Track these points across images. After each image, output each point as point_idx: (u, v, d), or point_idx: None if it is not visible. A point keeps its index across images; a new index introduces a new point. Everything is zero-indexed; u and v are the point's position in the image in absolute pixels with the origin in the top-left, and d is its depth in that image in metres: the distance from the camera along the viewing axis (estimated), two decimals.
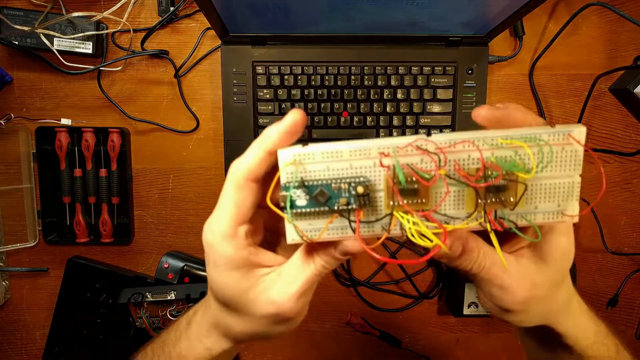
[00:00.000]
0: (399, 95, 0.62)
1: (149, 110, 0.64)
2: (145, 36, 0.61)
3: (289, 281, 0.26)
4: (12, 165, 0.64)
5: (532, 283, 0.26)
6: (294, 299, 0.25)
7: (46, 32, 0.59)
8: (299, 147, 0.24)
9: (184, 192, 0.66)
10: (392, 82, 0.62)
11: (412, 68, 0.62)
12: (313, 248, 0.26)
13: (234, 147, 0.62)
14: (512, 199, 0.23)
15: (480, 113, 0.25)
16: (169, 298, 0.61)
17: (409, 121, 0.63)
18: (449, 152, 0.23)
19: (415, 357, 0.69)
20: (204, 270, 0.63)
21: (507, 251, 0.28)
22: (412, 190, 0.23)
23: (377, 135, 0.63)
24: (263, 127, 0.62)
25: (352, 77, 0.62)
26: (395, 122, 0.63)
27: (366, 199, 0.23)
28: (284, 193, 0.23)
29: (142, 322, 0.63)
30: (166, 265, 0.63)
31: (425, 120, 0.63)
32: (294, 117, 0.25)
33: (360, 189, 0.23)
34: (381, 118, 0.63)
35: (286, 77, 0.61)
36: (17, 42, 0.60)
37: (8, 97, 0.64)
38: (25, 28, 0.58)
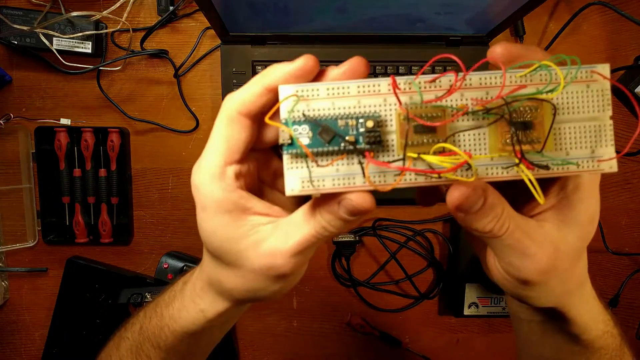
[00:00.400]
0: None
1: (149, 110, 0.64)
2: (145, 36, 0.61)
3: (286, 236, 0.23)
4: (12, 165, 0.64)
5: (555, 249, 0.23)
6: (289, 254, 0.23)
7: (45, 31, 0.59)
8: (302, 84, 0.22)
9: (183, 192, 0.66)
10: None
11: (413, 67, 0.62)
12: (316, 202, 0.23)
13: None
14: (540, 139, 0.21)
15: (495, 50, 0.22)
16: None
17: None
18: (465, 89, 0.21)
19: (416, 358, 0.68)
20: None
21: (528, 214, 0.24)
22: (427, 128, 0.21)
23: None
24: None
25: None
26: None
27: (377, 136, 0.21)
28: (284, 128, 0.21)
29: None
30: (166, 266, 0.63)
31: None
32: (305, 61, 0.22)
33: (369, 123, 0.21)
34: None
35: None
36: (16, 42, 0.60)
37: (7, 97, 0.64)
38: (25, 28, 0.58)
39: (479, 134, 0.21)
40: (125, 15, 0.60)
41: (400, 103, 0.21)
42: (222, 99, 0.61)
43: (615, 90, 0.66)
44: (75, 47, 0.61)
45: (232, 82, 0.61)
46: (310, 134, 0.21)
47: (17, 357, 0.68)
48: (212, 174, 0.23)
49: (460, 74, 0.21)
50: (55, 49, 0.60)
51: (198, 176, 0.24)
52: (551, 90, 0.21)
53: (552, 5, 0.64)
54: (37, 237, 0.65)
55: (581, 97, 0.21)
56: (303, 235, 0.23)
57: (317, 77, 0.23)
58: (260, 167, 0.26)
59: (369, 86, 0.21)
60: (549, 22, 0.65)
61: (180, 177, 0.66)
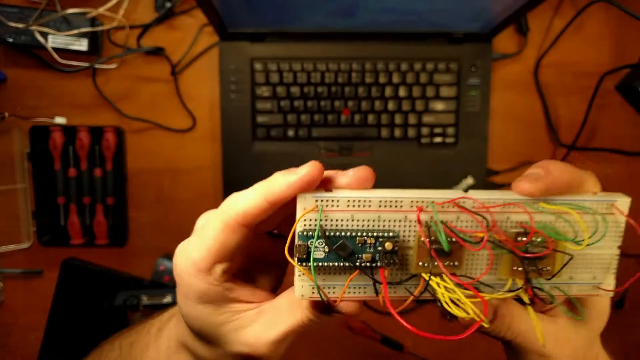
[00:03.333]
0: (401, 93, 0.61)
1: (145, 108, 0.63)
2: (141, 33, 0.61)
3: (270, 324, 0.23)
4: (6, 165, 0.63)
5: (573, 348, 0.24)
6: (271, 345, 0.23)
7: (41, 29, 0.58)
8: (322, 191, 0.21)
9: (180, 193, 0.65)
10: (394, 79, 0.61)
11: (415, 65, 0.61)
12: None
13: (232, 146, 0.61)
14: (549, 268, 0.22)
15: (523, 188, 0.22)
16: (164, 301, 0.60)
17: (412, 119, 0.62)
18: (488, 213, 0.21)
19: None
20: None
21: (539, 310, 0.25)
22: (444, 251, 0.21)
23: (379, 135, 0.62)
24: (261, 125, 0.61)
25: (353, 74, 0.60)
26: (397, 120, 0.62)
27: (394, 257, 0.21)
28: (300, 242, 0.21)
29: None
30: (162, 268, 0.62)
31: (428, 118, 0.62)
32: (310, 170, 0.21)
33: (388, 245, 0.21)
34: (383, 116, 0.61)
35: (285, 74, 0.60)
36: (11, 39, 0.59)
37: (2, 95, 0.63)
38: (20, 25, 0.58)
39: (497, 257, 0.22)
40: (121, 12, 0.60)
41: (420, 227, 0.21)
42: (220, 97, 0.61)
43: (621, 89, 0.65)
44: (71, 44, 0.60)
45: (230, 79, 0.60)
46: (327, 248, 0.21)
47: None
48: (198, 268, 0.22)
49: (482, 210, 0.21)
50: (51, 47, 0.59)
51: (183, 263, 0.23)
52: (578, 243, 0.21)
53: (557, 2, 0.64)
54: (32, 238, 0.64)
55: (596, 228, 0.22)
56: (288, 326, 0.23)
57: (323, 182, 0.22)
58: (249, 245, 0.25)
59: (391, 202, 0.21)
60: (553, 19, 0.64)
61: (176, 177, 0.65)
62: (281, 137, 0.61)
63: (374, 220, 0.21)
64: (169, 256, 0.63)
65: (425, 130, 0.62)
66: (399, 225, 0.21)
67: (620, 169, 0.66)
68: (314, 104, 0.61)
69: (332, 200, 0.21)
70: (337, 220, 0.21)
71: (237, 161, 0.61)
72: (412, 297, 0.22)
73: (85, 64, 0.61)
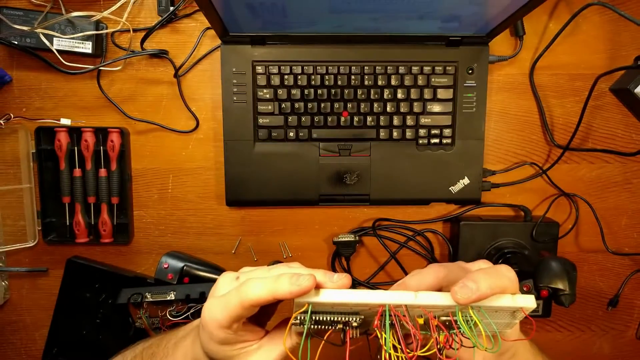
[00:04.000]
0: (399, 95, 0.62)
1: (149, 110, 0.64)
2: (145, 36, 0.61)
3: (267, 353, 0.34)
4: (12, 166, 0.64)
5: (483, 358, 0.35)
6: None
7: (46, 31, 0.59)
8: (313, 295, 0.30)
9: (183, 192, 0.66)
10: (393, 82, 0.62)
11: (413, 68, 0.62)
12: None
13: (234, 147, 0.62)
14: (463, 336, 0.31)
15: (456, 298, 0.30)
16: (168, 298, 0.61)
17: (409, 121, 0.63)
18: (422, 308, 0.31)
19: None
20: (204, 271, 0.63)
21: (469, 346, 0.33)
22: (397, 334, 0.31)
23: (378, 136, 0.63)
24: (263, 126, 0.62)
25: (352, 76, 0.62)
26: (396, 121, 0.63)
27: (358, 330, 0.32)
28: (297, 328, 0.32)
29: (142, 323, 0.63)
30: (166, 266, 0.62)
31: (426, 120, 0.63)
32: (308, 285, 0.30)
33: (355, 322, 0.31)
34: (381, 118, 0.63)
35: (286, 76, 0.61)
36: (16, 42, 0.60)
37: (7, 97, 0.64)
38: (25, 28, 0.58)
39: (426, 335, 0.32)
40: (125, 15, 0.60)
41: (377, 323, 0.30)
42: (222, 99, 0.61)
43: (616, 90, 0.66)
44: (76, 47, 0.61)
45: (232, 82, 0.61)
46: (311, 322, 0.31)
47: (17, 357, 0.68)
48: (221, 325, 0.32)
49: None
50: (56, 49, 0.60)
51: (210, 318, 0.32)
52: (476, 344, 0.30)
53: (552, 6, 0.64)
54: (38, 237, 0.65)
55: (503, 317, 0.32)
56: (279, 354, 0.34)
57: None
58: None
59: (362, 304, 0.30)
60: (548, 22, 0.65)
61: (180, 177, 0.66)
62: (282, 138, 0.63)
63: (348, 310, 0.31)
64: (172, 254, 0.64)
65: (422, 132, 0.63)
66: (366, 313, 0.31)
67: (614, 169, 0.67)
68: (314, 106, 0.62)
69: (320, 303, 0.30)
70: (324, 311, 0.31)
71: (239, 161, 0.62)
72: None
73: (90, 66, 0.62)
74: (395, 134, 0.63)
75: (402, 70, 0.62)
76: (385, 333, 0.30)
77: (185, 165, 0.65)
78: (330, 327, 0.31)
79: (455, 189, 0.64)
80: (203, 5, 0.48)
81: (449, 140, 0.63)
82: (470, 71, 0.62)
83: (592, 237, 0.68)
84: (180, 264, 0.63)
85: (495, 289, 0.30)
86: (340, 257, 0.67)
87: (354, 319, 0.31)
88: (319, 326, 0.31)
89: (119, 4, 0.58)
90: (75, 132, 0.63)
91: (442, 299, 0.30)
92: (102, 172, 0.64)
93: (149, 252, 0.67)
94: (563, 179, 0.67)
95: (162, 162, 0.65)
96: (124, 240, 0.65)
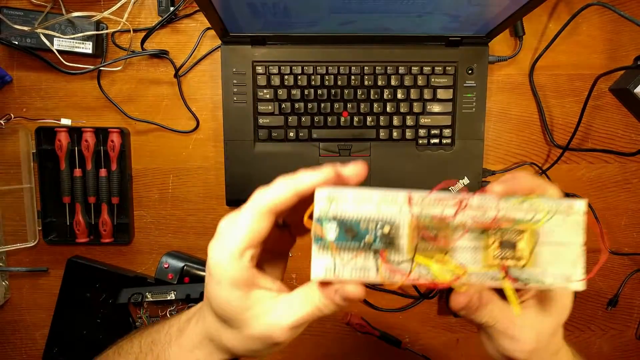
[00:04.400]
0: (399, 95, 0.62)
1: (149, 110, 0.64)
2: (145, 36, 0.61)
3: (286, 312, 0.27)
4: (12, 166, 0.64)
5: (537, 333, 0.29)
6: (287, 329, 0.27)
7: (46, 32, 0.59)
8: (334, 187, 0.26)
9: (183, 192, 0.66)
10: (392, 82, 0.62)
11: (412, 68, 0.62)
12: (320, 286, 0.28)
13: (234, 147, 0.62)
14: (523, 258, 0.26)
15: (494, 190, 0.27)
16: (169, 298, 0.61)
17: (409, 121, 0.63)
18: (466, 209, 0.26)
19: (416, 358, 0.69)
20: (204, 271, 0.63)
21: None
22: (433, 235, 0.26)
23: (377, 136, 0.63)
24: (263, 126, 0.62)
25: (352, 77, 0.62)
26: (395, 122, 0.63)
27: (391, 240, 0.25)
28: (316, 224, 0.25)
29: (142, 322, 0.63)
30: (166, 266, 0.63)
31: (425, 120, 0.63)
32: (330, 172, 0.26)
33: (386, 229, 0.25)
34: (381, 118, 0.63)
35: (286, 77, 0.61)
36: (17, 42, 0.60)
37: (8, 97, 0.64)
38: (25, 28, 0.58)
39: (474, 248, 0.26)
40: (125, 15, 0.60)
41: (413, 216, 0.25)
42: (223, 99, 0.62)
43: (615, 90, 0.66)
44: (76, 47, 0.61)
45: (232, 82, 0.61)
46: (337, 230, 0.25)
47: (17, 357, 0.68)
48: (232, 254, 0.27)
49: (466, 195, 0.25)
50: (56, 49, 0.60)
51: (219, 253, 0.27)
52: (537, 221, 0.26)
53: (552, 6, 0.65)
54: (38, 237, 0.65)
55: (560, 226, 0.27)
56: (301, 314, 0.27)
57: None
58: (270, 238, 0.29)
59: (388, 197, 0.26)
60: (548, 23, 0.65)
61: (180, 177, 0.66)
62: (282, 138, 0.63)
63: (375, 212, 0.25)
64: (172, 254, 0.64)
65: (422, 132, 0.63)
66: (395, 216, 0.26)
67: (614, 169, 0.68)
68: (314, 106, 0.62)
69: (342, 194, 0.25)
70: (345, 210, 0.25)
71: (239, 161, 0.62)
72: (406, 277, 0.25)
73: (90, 67, 0.62)
74: (395, 134, 0.63)
75: (402, 70, 0.62)
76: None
77: (186, 165, 0.66)
78: (358, 245, 0.25)
79: (455, 189, 0.64)
80: (203, 6, 0.48)
81: (448, 141, 0.64)
82: (470, 71, 0.62)
83: (591, 237, 0.68)
84: (180, 264, 0.63)
85: (538, 184, 0.27)
86: None
87: (384, 226, 0.25)
88: (345, 242, 0.26)
89: (119, 4, 0.58)
90: (75, 132, 0.63)
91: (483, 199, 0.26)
92: (103, 172, 0.64)
93: (150, 252, 0.67)
94: (563, 179, 0.67)
95: (163, 162, 0.65)
96: (124, 240, 0.65)
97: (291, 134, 0.62)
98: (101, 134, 0.63)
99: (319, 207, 0.25)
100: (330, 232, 0.25)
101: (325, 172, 0.27)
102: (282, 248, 0.33)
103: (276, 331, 0.27)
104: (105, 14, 0.59)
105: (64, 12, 0.61)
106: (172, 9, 0.62)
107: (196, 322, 0.31)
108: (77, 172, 0.64)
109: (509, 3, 0.50)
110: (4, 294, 0.66)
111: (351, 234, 0.25)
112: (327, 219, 0.25)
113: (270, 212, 0.27)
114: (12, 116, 0.63)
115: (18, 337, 0.68)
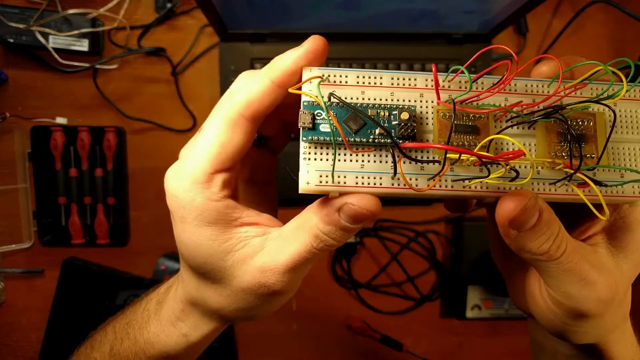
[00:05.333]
0: None
1: (146, 108, 0.64)
2: (142, 33, 0.61)
3: (277, 250, 0.20)
4: (7, 165, 0.63)
5: (614, 279, 0.20)
6: (282, 271, 0.20)
7: (42, 29, 0.58)
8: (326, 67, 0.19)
9: None
10: None
11: (415, 65, 0.61)
12: (318, 206, 0.20)
13: None
14: (592, 154, 0.19)
15: (542, 70, 0.21)
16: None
17: None
18: (509, 94, 0.19)
19: None
20: None
21: (578, 238, 0.22)
22: (470, 127, 0.18)
23: None
24: None
25: None
26: None
27: (412, 128, 0.18)
28: (305, 111, 0.18)
29: None
30: (163, 267, 0.62)
31: None
32: (315, 42, 0.19)
33: (404, 115, 0.18)
34: None
35: None
36: (12, 40, 0.59)
37: (3, 95, 0.63)
38: (21, 25, 0.58)
39: (525, 145, 0.19)
40: (122, 12, 0.60)
41: (439, 97, 0.19)
42: (220, 97, 0.61)
43: None
44: (72, 45, 0.60)
45: (230, 80, 0.60)
46: (335, 119, 0.18)
47: (13, 359, 0.67)
48: (195, 180, 0.20)
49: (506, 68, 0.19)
50: (52, 47, 0.59)
51: (176, 181, 0.21)
52: (610, 97, 0.18)
53: (556, 3, 0.64)
54: (33, 238, 0.64)
55: (638, 116, 0.19)
56: (297, 251, 0.20)
57: None
58: (246, 162, 0.23)
59: (403, 79, 0.19)
60: (552, 20, 0.64)
61: None
62: None
63: (387, 98, 0.19)
64: (170, 255, 0.63)
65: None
66: (415, 104, 0.19)
67: None
68: None
69: (340, 75, 0.19)
70: (345, 97, 0.19)
71: None
72: (442, 173, 0.18)
73: (86, 65, 0.61)
74: None
75: (403, 67, 0.61)
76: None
77: None
78: (365, 140, 0.18)
79: None
80: (201, 2, 0.47)
81: None
82: (473, 69, 0.61)
83: None
84: (177, 266, 0.62)
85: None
86: (340, 258, 0.66)
87: (402, 113, 0.18)
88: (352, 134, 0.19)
89: (115, 1, 0.58)
90: (71, 132, 0.62)
91: None
92: (99, 171, 0.63)
93: (146, 254, 0.66)
94: None
95: (159, 162, 0.64)
96: (120, 242, 0.64)
97: None
98: (97, 133, 0.63)
99: (307, 90, 0.19)
100: (324, 122, 0.18)
101: (309, 44, 0.19)
102: (263, 173, 0.26)
103: (269, 276, 0.20)
104: (102, 11, 0.58)
105: (59, 9, 0.60)
106: (169, 5, 0.61)
107: (176, 287, 0.25)
108: (73, 171, 0.63)
109: (512, 0, 0.49)
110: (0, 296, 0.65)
111: (356, 124, 0.18)
112: (318, 106, 0.18)
113: (243, 117, 0.20)
114: (7, 115, 0.62)
115: (14, 339, 0.67)
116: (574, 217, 0.21)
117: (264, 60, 0.60)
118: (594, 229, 0.22)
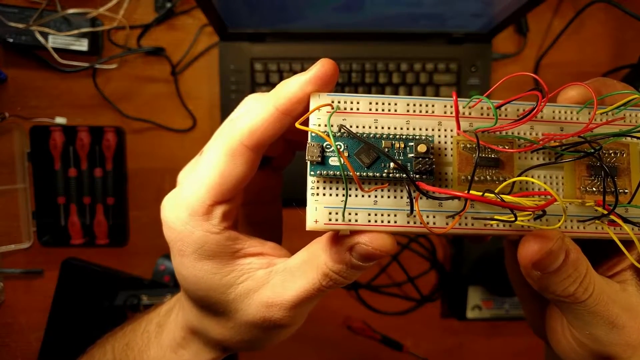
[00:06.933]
0: (401, 93, 0.61)
1: (145, 108, 0.63)
2: (142, 33, 0.61)
3: (283, 285, 0.20)
4: (6, 165, 0.63)
5: None
6: (288, 307, 0.19)
7: (41, 29, 0.58)
8: (335, 93, 0.18)
9: None
10: (394, 80, 0.61)
11: (415, 65, 0.61)
12: (328, 243, 0.19)
13: None
14: (626, 189, 0.17)
15: (571, 96, 0.19)
16: (165, 301, 0.60)
17: None
18: (535, 122, 0.18)
19: None
20: None
21: (606, 275, 0.21)
22: (493, 160, 0.17)
23: None
24: None
25: (353, 74, 0.61)
26: None
27: (430, 163, 0.17)
28: (313, 143, 0.17)
29: None
30: (162, 268, 0.62)
31: None
32: (324, 66, 0.18)
33: (422, 148, 0.17)
34: None
35: (285, 74, 0.60)
36: (11, 40, 0.59)
37: (2, 95, 0.63)
38: (20, 25, 0.58)
39: (552, 178, 0.18)
40: (121, 12, 0.60)
41: (459, 127, 0.17)
42: (220, 97, 0.61)
43: None
44: (71, 44, 0.60)
45: (230, 79, 0.60)
46: (346, 153, 0.17)
47: None
48: (193, 212, 0.19)
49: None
50: (51, 47, 0.59)
51: (174, 212, 0.19)
52: None
53: (556, 3, 0.64)
54: (32, 238, 0.64)
55: None
56: (304, 288, 0.19)
57: None
58: (248, 186, 0.21)
59: (420, 105, 0.18)
60: (553, 20, 0.64)
61: (177, 177, 0.65)
62: None
63: (402, 127, 0.18)
64: (169, 256, 0.63)
65: None
66: (433, 133, 0.18)
67: None
68: None
69: (352, 102, 0.18)
70: (357, 125, 0.18)
71: None
72: (463, 211, 0.17)
73: (86, 64, 0.61)
74: None
75: (403, 67, 0.61)
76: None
77: (183, 165, 0.64)
78: (379, 174, 0.17)
79: None
80: (201, 2, 0.47)
81: None
82: (473, 69, 0.61)
83: None
84: None
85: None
86: None
87: (419, 145, 0.17)
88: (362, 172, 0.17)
89: (115, 1, 0.58)
90: (70, 131, 0.62)
91: None
92: (98, 171, 0.63)
93: (146, 254, 0.65)
94: None
95: (159, 162, 0.64)
96: (120, 242, 0.64)
97: None
98: (96, 132, 0.62)
99: (315, 120, 0.18)
100: (333, 158, 0.17)
101: (317, 69, 0.18)
102: (267, 193, 0.24)
103: (274, 312, 0.20)
104: (101, 10, 0.58)
105: (59, 9, 0.60)
106: (168, 5, 0.61)
107: (177, 312, 0.24)
108: (72, 171, 0.62)
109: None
110: None
111: (368, 157, 0.17)
112: (328, 136, 0.17)
113: (246, 147, 0.18)
114: (7, 115, 0.62)
115: (13, 339, 0.67)
116: (601, 250, 0.19)
117: (264, 60, 0.60)
118: (623, 264, 0.21)
